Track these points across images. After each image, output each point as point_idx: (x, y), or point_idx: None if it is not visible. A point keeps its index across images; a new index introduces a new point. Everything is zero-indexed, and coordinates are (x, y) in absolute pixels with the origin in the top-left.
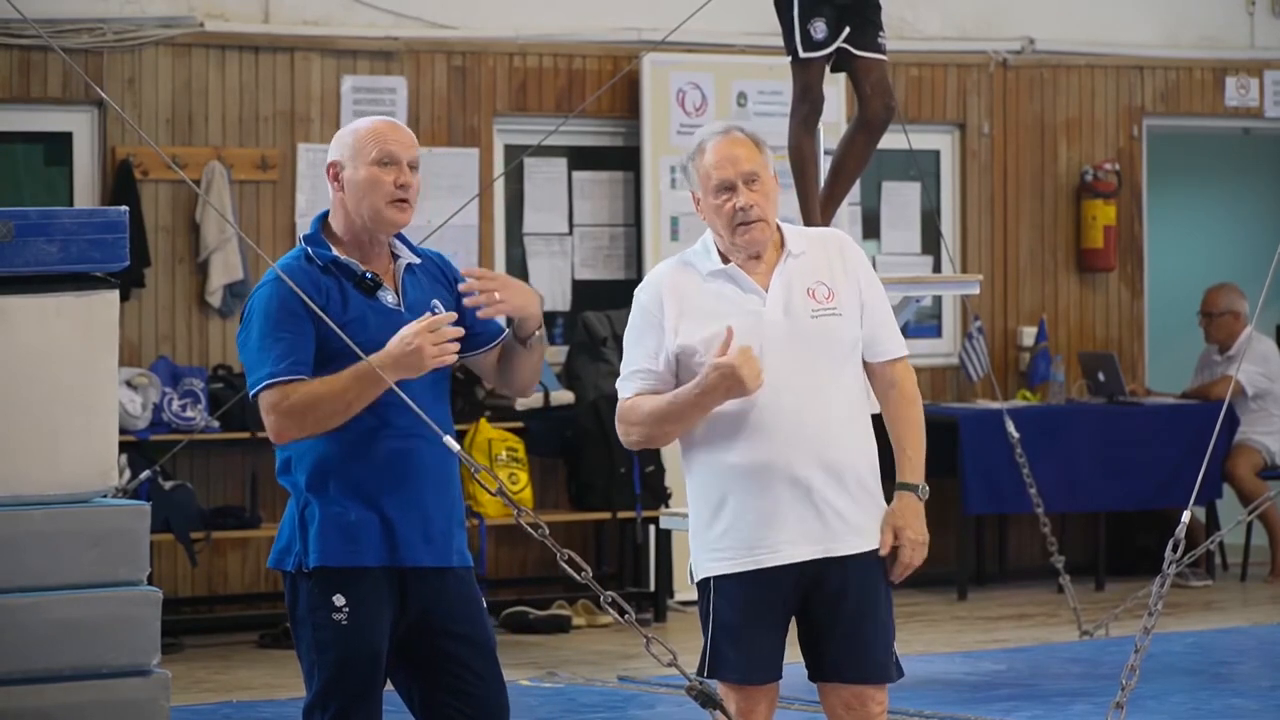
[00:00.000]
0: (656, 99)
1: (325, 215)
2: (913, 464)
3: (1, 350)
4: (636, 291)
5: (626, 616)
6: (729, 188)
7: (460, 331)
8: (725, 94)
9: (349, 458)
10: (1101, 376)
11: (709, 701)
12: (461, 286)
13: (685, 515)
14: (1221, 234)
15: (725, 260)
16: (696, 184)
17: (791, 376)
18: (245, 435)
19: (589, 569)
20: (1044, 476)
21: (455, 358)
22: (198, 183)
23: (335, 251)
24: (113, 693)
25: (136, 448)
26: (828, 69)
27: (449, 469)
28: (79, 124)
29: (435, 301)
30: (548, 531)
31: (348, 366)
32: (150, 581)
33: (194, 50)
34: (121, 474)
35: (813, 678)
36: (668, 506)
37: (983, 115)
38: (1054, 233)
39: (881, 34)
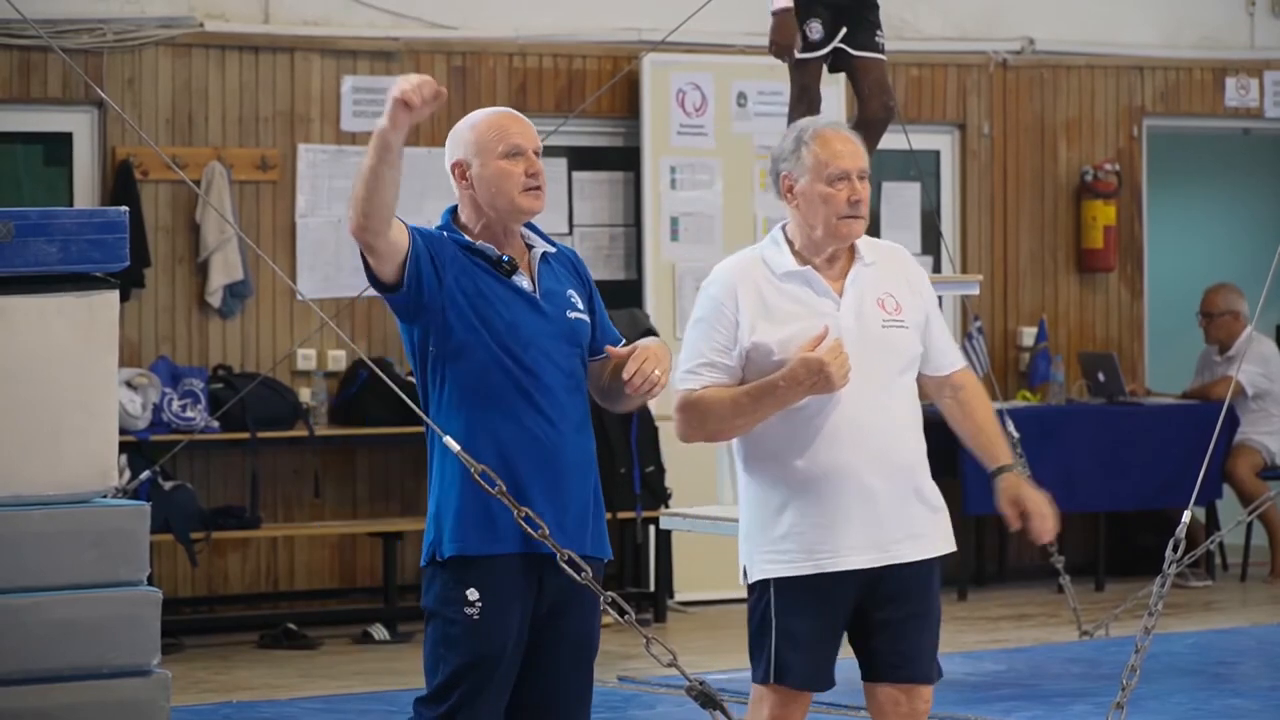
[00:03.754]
0: (656, 99)
1: (454, 209)
2: (1001, 447)
3: (1, 350)
4: (705, 284)
5: (626, 617)
6: (845, 178)
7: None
8: (725, 94)
9: (492, 444)
10: (1101, 377)
11: (709, 702)
12: (614, 363)
13: (685, 516)
14: (1221, 234)
15: (801, 261)
16: (804, 170)
17: (860, 383)
18: (245, 435)
19: (589, 569)
20: (1044, 477)
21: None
22: (198, 183)
23: (468, 238)
24: (113, 693)
25: (136, 448)
26: (825, 69)
27: (589, 458)
28: (79, 124)
29: (570, 293)
30: (547, 531)
31: (474, 356)
32: (150, 581)
33: (194, 50)
34: (121, 474)
35: (865, 677)
36: (668, 507)
37: (983, 115)
38: (1054, 233)
39: (879, 34)
